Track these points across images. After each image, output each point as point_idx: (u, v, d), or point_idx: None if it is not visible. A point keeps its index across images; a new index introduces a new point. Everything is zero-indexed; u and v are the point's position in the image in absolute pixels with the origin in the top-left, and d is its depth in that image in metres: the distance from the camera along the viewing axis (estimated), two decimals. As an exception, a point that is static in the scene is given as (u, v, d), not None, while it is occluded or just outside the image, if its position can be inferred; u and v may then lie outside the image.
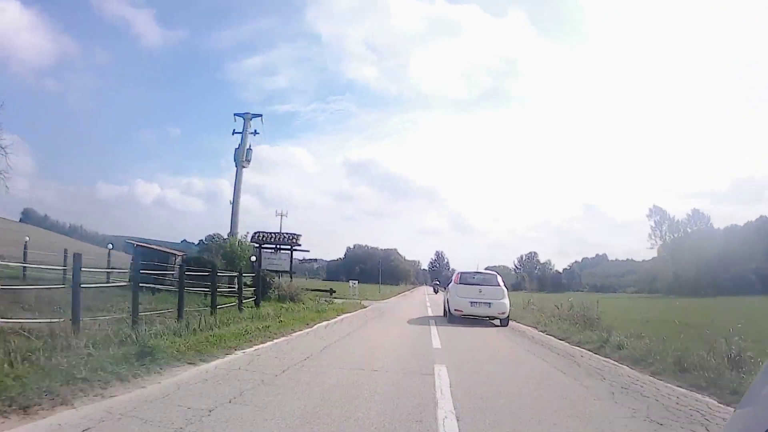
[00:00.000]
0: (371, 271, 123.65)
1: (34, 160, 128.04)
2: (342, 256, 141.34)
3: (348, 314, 15.24)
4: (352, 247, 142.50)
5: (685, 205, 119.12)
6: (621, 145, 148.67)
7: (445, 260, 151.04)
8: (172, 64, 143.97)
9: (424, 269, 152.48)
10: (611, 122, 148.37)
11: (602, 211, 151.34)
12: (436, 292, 56.22)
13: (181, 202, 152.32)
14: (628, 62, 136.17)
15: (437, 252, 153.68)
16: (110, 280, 12.28)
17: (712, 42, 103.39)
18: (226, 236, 21.90)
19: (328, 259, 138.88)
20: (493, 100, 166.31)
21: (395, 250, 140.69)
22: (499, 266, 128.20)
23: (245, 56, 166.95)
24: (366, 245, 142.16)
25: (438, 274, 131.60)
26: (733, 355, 5.77)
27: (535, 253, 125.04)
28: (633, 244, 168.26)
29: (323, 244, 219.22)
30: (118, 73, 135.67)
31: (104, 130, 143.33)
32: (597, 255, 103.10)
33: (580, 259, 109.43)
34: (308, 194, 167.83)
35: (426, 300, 32.12)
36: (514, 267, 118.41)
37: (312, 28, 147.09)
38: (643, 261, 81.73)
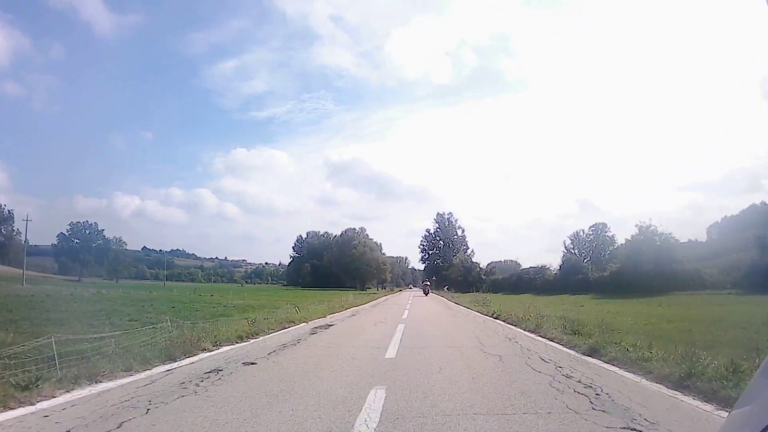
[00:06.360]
0: (327, 267, 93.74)
1: (8, 174, 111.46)
2: (294, 253, 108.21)
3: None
4: (304, 236, 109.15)
5: (680, 199, 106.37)
6: (617, 138, 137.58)
7: (459, 228, 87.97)
8: (136, 60, 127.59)
9: (413, 268, 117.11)
10: (610, 113, 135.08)
11: (597, 207, 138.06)
12: (426, 293, 44.92)
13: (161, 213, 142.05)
14: (626, 45, 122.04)
15: (439, 215, 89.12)
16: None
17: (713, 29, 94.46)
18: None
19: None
20: (482, 84, 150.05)
21: (362, 230, 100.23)
22: (508, 261, 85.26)
23: (219, 59, 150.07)
24: (324, 232, 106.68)
25: (442, 262, 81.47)
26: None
27: (603, 224, 67.24)
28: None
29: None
30: (77, 70, 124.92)
31: (74, 136, 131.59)
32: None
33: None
34: (291, 200, 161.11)
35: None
36: (564, 250, 65.16)
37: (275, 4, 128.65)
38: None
